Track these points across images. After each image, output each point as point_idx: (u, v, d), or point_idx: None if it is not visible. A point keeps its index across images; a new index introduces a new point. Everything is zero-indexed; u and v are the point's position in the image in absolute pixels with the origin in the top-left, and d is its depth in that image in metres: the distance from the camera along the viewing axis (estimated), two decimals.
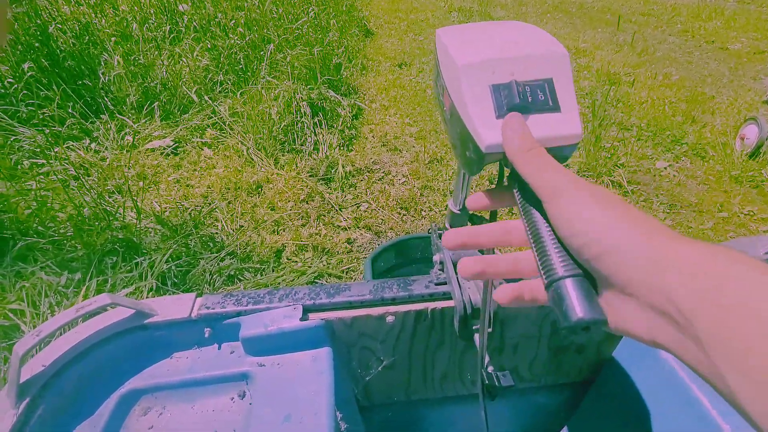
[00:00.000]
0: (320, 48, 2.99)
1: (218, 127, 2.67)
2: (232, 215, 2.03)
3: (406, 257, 1.33)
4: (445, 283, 0.72)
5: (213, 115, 2.76)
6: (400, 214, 2.16)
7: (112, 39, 3.08)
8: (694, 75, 4.06)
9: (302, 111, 2.63)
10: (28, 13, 2.45)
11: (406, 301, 0.72)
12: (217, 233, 1.88)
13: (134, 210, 1.75)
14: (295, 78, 2.77)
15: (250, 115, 2.57)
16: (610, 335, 0.82)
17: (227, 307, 0.70)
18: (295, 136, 2.55)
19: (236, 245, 1.79)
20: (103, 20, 3.24)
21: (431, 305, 0.73)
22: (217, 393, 0.65)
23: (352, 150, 2.66)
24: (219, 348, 0.70)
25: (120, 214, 1.73)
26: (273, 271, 1.78)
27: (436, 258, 0.75)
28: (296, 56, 2.91)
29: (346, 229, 2.06)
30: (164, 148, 2.55)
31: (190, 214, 1.88)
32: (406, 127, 2.94)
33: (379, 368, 0.79)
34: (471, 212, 0.76)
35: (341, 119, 2.77)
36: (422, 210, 2.19)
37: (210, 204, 2.08)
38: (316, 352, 0.68)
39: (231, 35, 3.05)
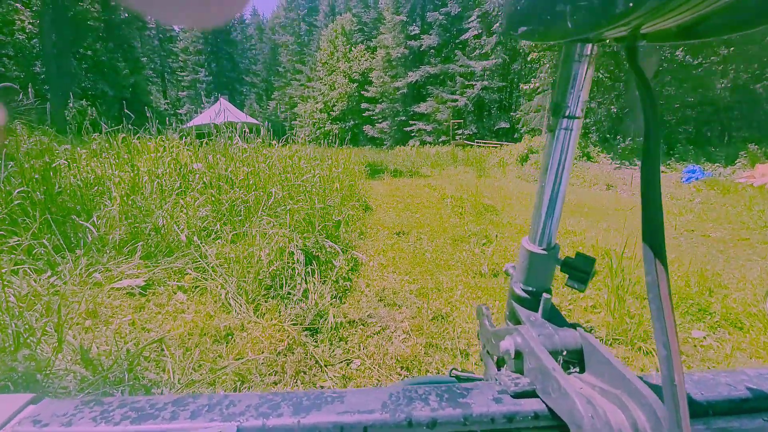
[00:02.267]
0: (322, 205, 3.03)
1: (201, 269, 2.43)
2: (186, 365, 1.59)
3: None
4: (533, 394, 0.38)
5: (199, 260, 2.56)
6: (400, 374, 1.72)
7: (121, 189, 3.15)
8: (688, 256, 4.10)
9: (296, 258, 2.45)
10: (38, 151, 2.52)
11: (460, 428, 0.36)
12: (158, 384, 1.41)
13: (58, 344, 1.35)
14: (293, 227, 2.70)
15: (237, 258, 2.37)
16: None
17: (81, 425, 0.34)
18: (284, 282, 2.29)
19: None
20: (118, 173, 3.38)
21: None
22: None
23: (345, 302, 2.36)
24: None
25: (33, 342, 1.32)
26: None
27: (506, 345, 0.42)
28: (297, 209, 2.91)
29: None
30: (132, 288, 2.24)
31: (127, 352, 1.45)
32: (405, 284, 2.71)
33: None
34: (564, 257, 0.47)
35: (336, 270, 2.57)
36: (428, 371, 1.75)
37: (162, 350, 1.66)
38: None
39: (237, 189, 3.14)
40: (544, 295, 0.45)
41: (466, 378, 0.98)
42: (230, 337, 1.89)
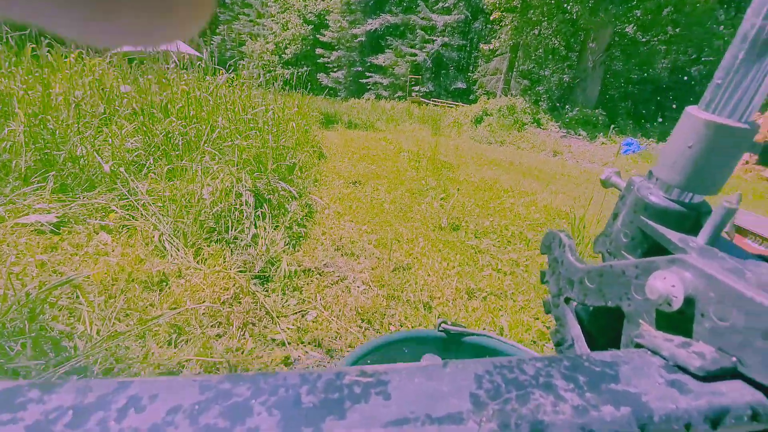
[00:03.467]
0: (275, 145, 2.72)
1: (129, 207, 2.09)
2: (108, 314, 1.34)
3: None
4: (734, 373, 0.22)
5: (127, 197, 2.20)
6: (360, 327, 1.59)
7: (28, 108, 2.60)
8: None
9: (244, 200, 2.18)
10: None
11: None
12: (70, 337, 1.16)
13: None
14: (241, 165, 2.39)
15: (174, 196, 2.05)
16: None
17: None
18: (230, 225, 2.03)
19: (97, 356, 1.08)
20: (25, 90, 2.79)
21: None
22: None
23: (299, 250, 2.17)
24: None
25: None
26: None
27: (664, 287, 0.26)
28: (246, 147, 2.59)
29: (284, 344, 1.42)
30: (41, 225, 1.87)
31: (27, 296, 1.17)
32: (364, 234, 2.55)
33: None
34: None
35: (289, 216, 2.33)
36: (390, 324, 1.64)
37: (77, 296, 1.38)
38: None
39: (174, 119, 2.72)
40: (724, 203, 0.28)
41: (459, 332, 0.85)
42: (165, 284, 1.64)
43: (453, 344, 0.79)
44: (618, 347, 0.33)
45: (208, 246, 1.91)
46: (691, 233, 0.30)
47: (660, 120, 15.59)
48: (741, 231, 2.39)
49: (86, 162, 2.40)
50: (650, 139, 13.17)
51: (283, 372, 0.19)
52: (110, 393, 0.17)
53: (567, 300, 0.38)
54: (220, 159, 2.38)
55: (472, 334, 0.81)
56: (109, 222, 2.05)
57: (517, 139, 12.83)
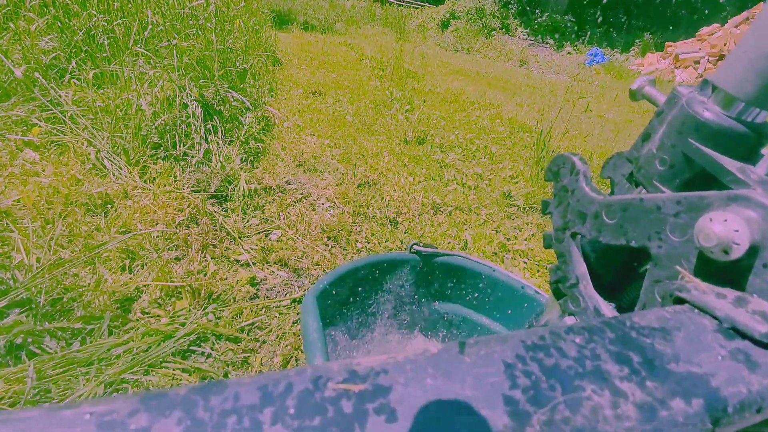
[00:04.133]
0: (221, 45, 2.40)
1: (55, 120, 1.83)
2: (45, 242, 1.22)
3: (377, 293, 0.74)
4: None
5: (50, 107, 1.91)
6: (327, 245, 1.57)
7: None
8: (588, 133, 4.41)
9: (191, 111, 1.95)
10: None
11: None
12: (7, 268, 1.05)
13: None
14: (183, 71, 2.11)
15: (107, 106, 1.80)
16: None
17: None
18: (177, 140, 1.84)
19: (41, 287, 1.00)
20: None
21: None
22: None
23: (258, 166, 2.04)
24: None
25: None
26: (112, 334, 1.01)
27: (725, 232, 0.21)
28: (187, 49, 2.26)
29: (248, 264, 1.38)
30: None
31: None
32: (326, 149, 2.42)
33: None
34: None
35: (245, 129, 2.15)
36: (357, 241, 1.63)
37: (7, 225, 1.24)
38: None
39: (95, 13, 2.29)
40: None
41: (431, 254, 0.83)
42: (110, 206, 1.50)
43: (425, 266, 0.77)
44: (627, 286, 0.29)
45: (155, 164, 1.74)
46: (746, 161, 0.24)
47: (625, 28, 15.27)
48: None
49: None
50: (615, 50, 13.01)
51: (234, 381, 0.12)
52: None
53: (573, 235, 0.33)
54: (157, 63, 2.07)
55: (444, 255, 0.79)
56: (33, 137, 1.80)
57: (485, 46, 12.26)
